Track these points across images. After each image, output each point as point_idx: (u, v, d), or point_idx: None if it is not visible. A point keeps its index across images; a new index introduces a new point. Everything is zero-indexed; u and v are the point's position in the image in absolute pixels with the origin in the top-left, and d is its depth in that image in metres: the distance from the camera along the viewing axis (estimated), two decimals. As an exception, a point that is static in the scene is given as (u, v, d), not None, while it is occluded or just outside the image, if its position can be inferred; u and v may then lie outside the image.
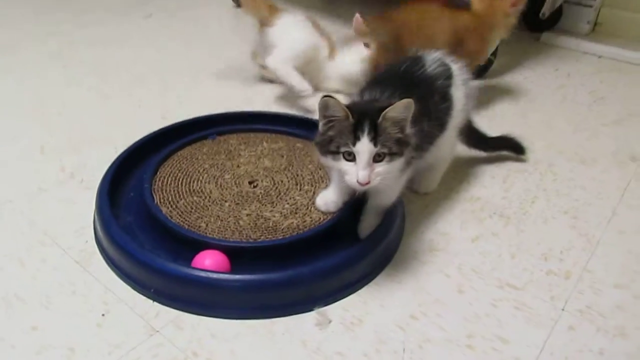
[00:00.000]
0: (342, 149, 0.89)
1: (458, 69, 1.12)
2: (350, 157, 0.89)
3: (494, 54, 1.76)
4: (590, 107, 1.66)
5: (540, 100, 1.69)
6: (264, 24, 1.58)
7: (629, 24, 2.15)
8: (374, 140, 0.87)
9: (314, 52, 1.60)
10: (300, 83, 1.51)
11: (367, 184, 0.88)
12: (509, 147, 1.37)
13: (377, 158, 0.89)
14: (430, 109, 1.03)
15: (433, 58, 1.10)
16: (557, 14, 2.17)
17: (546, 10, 2.09)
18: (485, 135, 1.33)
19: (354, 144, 0.87)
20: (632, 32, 2.14)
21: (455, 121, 1.14)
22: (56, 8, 2.23)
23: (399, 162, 0.91)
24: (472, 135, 1.30)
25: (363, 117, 0.88)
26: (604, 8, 2.19)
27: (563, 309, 0.97)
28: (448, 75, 1.09)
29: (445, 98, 1.08)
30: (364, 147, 0.87)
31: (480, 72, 1.78)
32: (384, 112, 0.87)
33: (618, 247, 1.12)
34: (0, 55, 1.83)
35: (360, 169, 0.88)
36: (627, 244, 1.13)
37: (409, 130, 0.90)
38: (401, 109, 0.87)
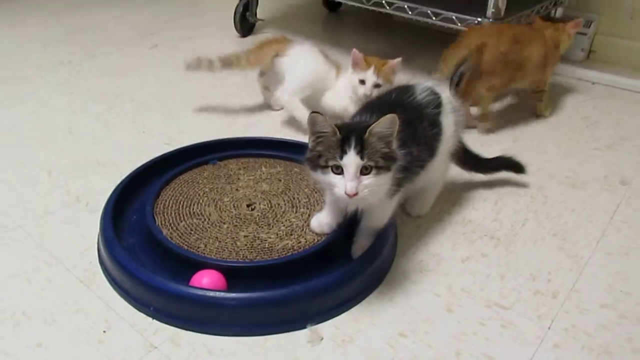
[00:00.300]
0: (331, 163, 0.93)
1: (447, 98, 1.17)
2: (339, 170, 0.93)
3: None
4: (583, 132, 1.70)
5: (532, 125, 1.73)
6: (276, 54, 1.63)
7: (623, 51, 2.19)
8: (361, 153, 0.92)
9: (323, 83, 1.63)
10: (304, 117, 1.54)
11: (355, 195, 0.92)
12: (507, 167, 1.40)
13: (364, 171, 0.93)
14: (419, 134, 1.07)
15: (423, 87, 1.15)
16: (552, 42, 2.22)
17: (541, 38, 2.15)
18: (482, 158, 1.37)
19: (341, 158, 0.92)
20: (626, 59, 2.19)
21: (445, 147, 1.18)
22: (65, 40, 2.30)
23: (385, 177, 0.95)
24: (468, 159, 1.34)
25: (350, 132, 0.93)
26: (598, 36, 2.23)
27: (549, 328, 1.01)
28: (437, 104, 1.14)
29: (435, 125, 1.12)
30: (351, 160, 0.92)
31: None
32: (370, 128, 0.92)
33: (605, 268, 1.15)
34: (11, 85, 1.89)
35: (347, 180, 0.92)
36: (615, 265, 1.16)
37: (395, 145, 0.95)
38: (386, 124, 0.92)
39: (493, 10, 1.67)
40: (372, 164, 0.93)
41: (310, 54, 1.64)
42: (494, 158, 1.40)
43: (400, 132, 0.96)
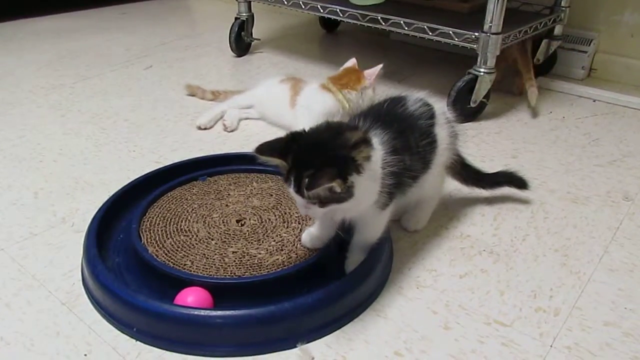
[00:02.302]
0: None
1: (440, 109, 1.13)
2: None
3: (487, 96, 1.77)
4: (584, 149, 1.66)
5: (533, 141, 1.70)
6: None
7: (623, 69, 2.18)
8: (300, 193, 0.89)
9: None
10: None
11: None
12: (510, 183, 1.36)
13: (311, 201, 0.90)
14: (411, 144, 1.03)
15: (415, 98, 1.11)
16: (552, 59, 2.20)
17: (540, 55, 2.13)
18: (483, 173, 1.33)
19: (289, 186, 0.90)
20: (627, 77, 2.17)
21: (440, 159, 1.14)
22: (58, 64, 2.29)
23: (337, 205, 0.91)
24: (468, 174, 1.30)
25: (293, 168, 0.89)
26: (599, 54, 2.22)
27: (551, 346, 0.96)
28: (430, 115, 1.10)
29: (428, 136, 1.08)
30: (293, 194, 0.90)
31: (473, 114, 1.79)
32: (305, 187, 0.87)
33: (609, 285, 1.11)
34: (3, 109, 1.87)
35: (299, 205, 0.92)
36: (618, 282, 1.12)
37: (341, 189, 0.88)
38: (320, 190, 0.87)
39: (490, 25, 1.65)
40: (314, 202, 0.90)
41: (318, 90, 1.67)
42: (495, 173, 1.36)
43: (393, 139, 0.93)
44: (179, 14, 3.16)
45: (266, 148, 0.91)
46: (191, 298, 0.95)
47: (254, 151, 0.91)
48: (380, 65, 1.64)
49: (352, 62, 1.70)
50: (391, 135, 0.94)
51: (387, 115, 1.03)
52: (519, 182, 1.35)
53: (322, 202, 0.89)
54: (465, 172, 1.28)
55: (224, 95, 1.89)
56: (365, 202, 0.95)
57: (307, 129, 0.94)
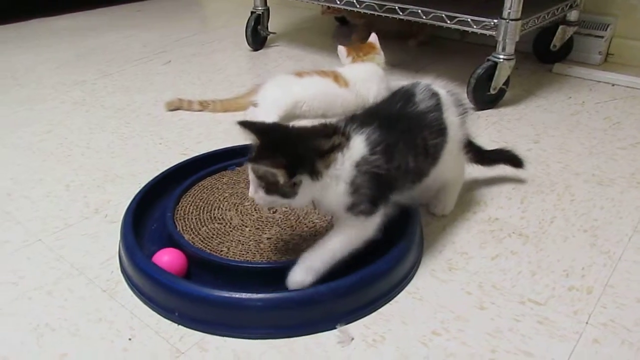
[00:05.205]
0: None
1: (446, 93, 1.10)
2: None
3: (506, 83, 1.78)
4: (606, 132, 1.67)
5: (555, 126, 1.70)
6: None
7: (641, 53, 2.18)
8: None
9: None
10: None
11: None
12: (506, 160, 1.37)
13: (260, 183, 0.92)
14: (418, 143, 1.02)
15: (422, 88, 1.08)
16: (568, 45, 2.20)
17: (557, 41, 2.13)
18: (484, 150, 1.33)
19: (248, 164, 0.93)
20: (645, 61, 2.17)
21: (454, 145, 1.12)
22: (78, 62, 2.32)
23: (280, 200, 0.92)
24: (471, 151, 1.28)
25: (259, 147, 0.91)
26: (615, 39, 2.21)
27: (587, 323, 0.97)
28: (437, 104, 1.07)
29: (439, 126, 1.06)
30: (249, 171, 0.93)
31: (493, 100, 1.80)
32: (251, 162, 0.90)
33: (639, 264, 1.12)
34: (27, 105, 1.90)
35: (251, 186, 0.94)
36: (649, 260, 1.13)
37: (283, 181, 0.89)
38: (262, 169, 0.89)
39: (509, 11, 1.65)
40: (262, 184, 0.91)
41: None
42: (493, 150, 1.37)
43: (384, 139, 0.94)
44: (193, 11, 3.18)
45: (249, 124, 0.93)
46: (167, 257, 1.03)
47: (237, 122, 0.92)
48: (373, 34, 1.77)
49: (373, 37, 1.78)
50: (386, 133, 0.94)
51: (392, 115, 1.02)
52: (516, 161, 1.36)
53: (267, 189, 0.91)
54: (469, 148, 1.25)
55: (213, 105, 1.81)
56: (324, 206, 0.96)
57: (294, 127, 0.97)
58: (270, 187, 0.90)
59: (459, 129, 1.12)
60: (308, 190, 0.91)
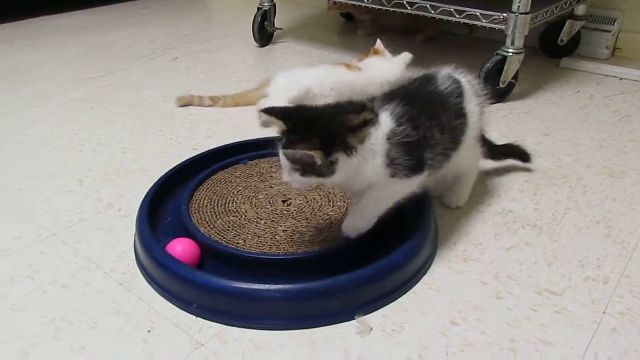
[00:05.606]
0: None
1: (468, 82, 1.12)
2: None
3: (515, 77, 1.78)
4: (616, 125, 1.67)
5: (564, 120, 1.71)
6: None
7: (650, 48, 2.18)
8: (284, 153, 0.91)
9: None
10: None
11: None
12: (514, 155, 1.39)
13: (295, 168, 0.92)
14: (441, 120, 1.03)
15: (444, 75, 1.10)
16: (576, 40, 2.20)
17: (564, 36, 2.13)
18: (494, 144, 1.34)
19: (279, 147, 0.93)
20: (653, 56, 2.17)
21: (472, 134, 1.13)
22: (84, 59, 2.32)
23: (318, 179, 0.93)
24: (484, 145, 1.28)
25: (288, 132, 0.92)
26: (623, 33, 2.21)
27: (604, 312, 0.97)
28: (459, 91, 1.09)
29: (459, 113, 1.08)
30: (281, 156, 0.93)
31: (502, 95, 1.80)
32: (285, 149, 0.90)
33: (655, 254, 1.12)
34: (35, 102, 1.90)
35: (283, 169, 0.94)
36: (664, 250, 1.13)
37: (321, 162, 0.90)
38: (300, 154, 0.89)
39: (519, 4, 1.65)
40: (297, 167, 0.92)
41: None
42: (503, 145, 1.38)
43: (408, 111, 0.96)
44: (197, 8, 3.18)
45: (273, 109, 0.95)
46: (180, 247, 1.04)
47: (260, 109, 0.93)
48: (378, 40, 1.82)
49: (378, 43, 1.82)
50: (408, 107, 0.95)
51: (413, 93, 1.03)
52: (523, 156, 1.39)
53: (304, 171, 0.91)
54: (482, 142, 1.26)
55: (224, 100, 1.80)
56: (361, 181, 0.96)
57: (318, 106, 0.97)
58: (306, 169, 0.91)
59: (479, 118, 1.13)
60: (345, 166, 0.91)
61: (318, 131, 0.90)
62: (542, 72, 2.08)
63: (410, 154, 0.95)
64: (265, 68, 2.20)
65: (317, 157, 0.88)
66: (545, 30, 2.20)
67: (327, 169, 0.90)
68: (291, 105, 0.97)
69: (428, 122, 0.99)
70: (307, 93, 1.61)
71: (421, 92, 1.05)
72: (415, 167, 0.96)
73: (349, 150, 0.90)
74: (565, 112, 1.76)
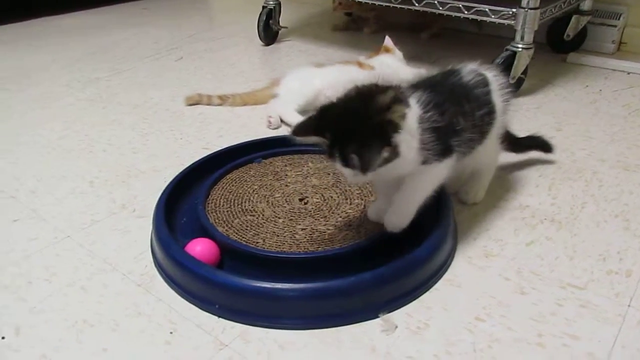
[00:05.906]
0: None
1: (493, 76, 1.12)
2: None
3: (524, 72, 1.78)
4: (626, 119, 1.67)
5: (574, 114, 1.70)
6: None
7: (654, 42, 2.18)
8: (345, 164, 0.90)
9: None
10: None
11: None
12: (537, 146, 1.39)
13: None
14: (465, 110, 1.02)
15: (469, 69, 1.10)
16: (582, 34, 2.19)
17: (571, 31, 2.13)
18: (516, 136, 1.34)
19: (332, 162, 0.91)
20: (658, 50, 2.17)
21: (497, 128, 1.13)
22: (89, 59, 2.31)
23: (389, 165, 0.91)
24: (506, 138, 1.28)
25: (335, 141, 0.90)
26: (628, 28, 2.21)
27: (629, 305, 0.97)
28: (485, 83, 1.09)
29: (486, 106, 1.07)
30: (337, 167, 0.91)
31: (511, 90, 1.79)
32: (359, 169, 0.88)
33: (676, 246, 1.12)
34: (42, 103, 1.89)
35: (346, 175, 0.92)
36: (684, 242, 1.12)
37: (390, 154, 0.90)
38: (376, 165, 0.89)
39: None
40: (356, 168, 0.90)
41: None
42: (525, 137, 1.38)
43: (433, 98, 0.96)
44: (199, 8, 3.17)
45: (301, 128, 0.93)
46: (199, 247, 1.03)
47: (289, 134, 0.92)
48: (387, 37, 1.85)
49: (387, 40, 1.84)
50: (433, 94, 0.95)
51: (437, 82, 1.03)
52: (545, 146, 1.39)
53: (361, 169, 0.90)
54: (504, 137, 1.25)
55: (232, 99, 1.79)
56: (407, 159, 0.94)
57: (335, 99, 0.94)
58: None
59: (503, 113, 1.12)
60: (402, 143, 0.90)
61: (363, 127, 0.88)
62: (549, 67, 2.08)
63: (439, 139, 0.95)
64: (272, 67, 2.19)
65: (386, 151, 0.88)
66: (551, 25, 2.19)
67: (394, 154, 0.90)
68: (313, 113, 0.93)
69: (453, 108, 0.99)
70: (318, 95, 1.60)
71: (445, 83, 1.04)
72: (445, 152, 0.97)
73: (396, 127, 0.89)
74: (575, 107, 1.75)
